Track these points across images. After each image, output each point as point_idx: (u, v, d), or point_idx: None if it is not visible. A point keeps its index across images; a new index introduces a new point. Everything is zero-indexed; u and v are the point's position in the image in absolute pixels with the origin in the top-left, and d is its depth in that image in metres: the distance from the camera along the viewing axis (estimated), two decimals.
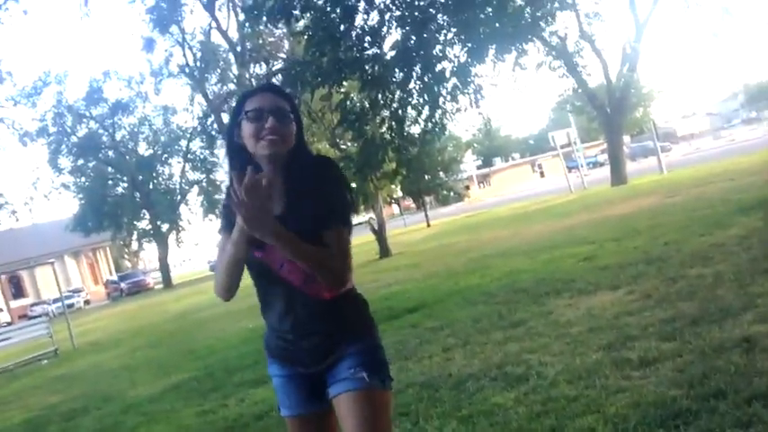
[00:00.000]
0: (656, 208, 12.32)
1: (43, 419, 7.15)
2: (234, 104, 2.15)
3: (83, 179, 44.32)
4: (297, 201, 1.98)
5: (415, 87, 11.50)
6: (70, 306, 32.57)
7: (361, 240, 34.22)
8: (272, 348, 2.13)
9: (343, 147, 29.11)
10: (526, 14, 11.79)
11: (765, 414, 2.80)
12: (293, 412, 2.12)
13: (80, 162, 43.53)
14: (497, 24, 10.91)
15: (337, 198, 2.00)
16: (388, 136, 11.92)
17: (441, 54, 11.40)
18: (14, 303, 46.46)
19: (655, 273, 6.30)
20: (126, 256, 62.25)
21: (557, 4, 13.62)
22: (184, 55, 39.09)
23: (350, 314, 2.09)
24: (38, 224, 52.42)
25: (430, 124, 11.76)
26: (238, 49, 38.69)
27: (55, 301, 36.82)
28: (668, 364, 3.70)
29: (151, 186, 43.58)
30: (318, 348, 2.02)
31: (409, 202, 56.92)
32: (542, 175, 67.27)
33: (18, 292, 52.84)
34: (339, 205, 2.00)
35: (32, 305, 45.40)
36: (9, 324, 29.44)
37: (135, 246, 54.57)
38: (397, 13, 11.29)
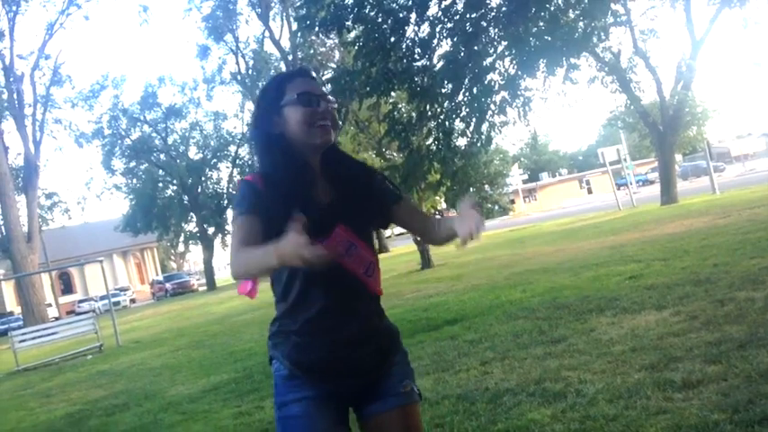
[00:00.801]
0: (707, 229, 12.02)
1: (85, 413, 7.32)
2: (265, 89, 1.95)
3: (134, 181, 45.44)
4: (343, 191, 1.86)
5: (463, 99, 11.48)
6: (116, 304, 33.41)
7: (402, 251, 34.29)
8: (311, 361, 1.79)
9: (389, 156, 29.26)
10: (579, 29, 11.67)
11: None
12: None
13: (132, 164, 44.66)
14: (549, 38, 10.83)
15: (383, 177, 1.98)
16: (434, 147, 11.93)
17: (490, 66, 11.37)
18: (63, 299, 47.80)
19: (702, 294, 6.13)
20: (172, 257, 63.56)
21: (611, 20, 13.47)
22: (237, 63, 39.88)
23: (386, 316, 1.97)
24: (89, 223, 54.01)
25: (476, 136, 11.72)
26: (290, 57, 39.30)
27: (102, 298, 37.75)
28: (712, 387, 3.60)
29: (199, 190, 44.39)
30: (377, 354, 1.85)
31: (453, 214, 56.82)
32: (590, 191, 66.28)
33: (67, 288, 54.45)
34: (391, 189, 1.97)
35: (80, 301, 46.70)
36: (57, 319, 30.24)
37: (181, 247, 55.72)
38: (449, 25, 11.30)
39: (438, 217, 2.09)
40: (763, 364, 3.78)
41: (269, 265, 1.57)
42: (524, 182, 66.37)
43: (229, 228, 47.97)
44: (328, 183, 1.86)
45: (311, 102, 1.82)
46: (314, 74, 1.98)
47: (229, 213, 46.62)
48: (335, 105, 1.87)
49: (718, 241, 9.72)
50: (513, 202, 56.69)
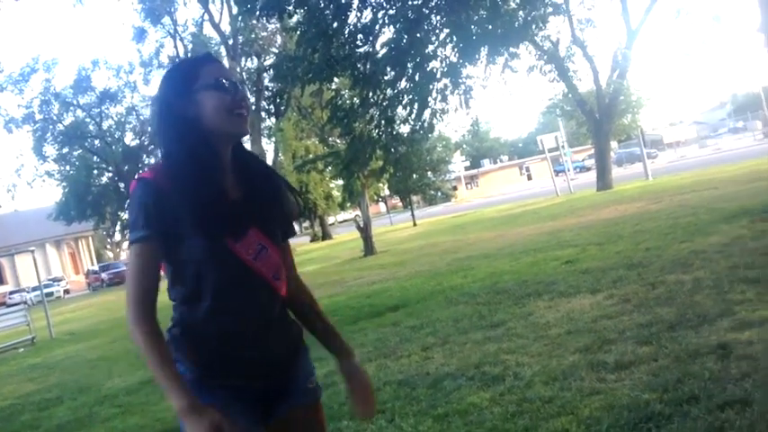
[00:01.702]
0: (640, 214, 12.40)
1: (17, 408, 7.09)
2: (174, 72, 1.79)
3: (67, 168, 43.96)
4: (255, 188, 1.76)
5: (405, 86, 11.51)
6: (49, 295, 32.36)
7: (346, 238, 34.30)
8: (219, 363, 1.70)
9: (332, 143, 29.14)
10: (519, 17, 11.83)
11: (738, 420, 2.82)
12: None
13: (65, 150, 43.18)
14: (490, 26, 10.95)
15: (294, 205, 1.88)
16: (376, 134, 11.93)
17: (432, 54, 11.42)
18: None
19: (635, 278, 6.33)
20: (108, 246, 61.85)
21: (550, 9, 13.68)
22: (175, 46, 38.89)
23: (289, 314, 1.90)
24: (20, 211, 52.07)
25: (419, 124, 11.78)
26: (230, 42, 38.56)
27: (34, 289, 36.49)
28: (643, 367, 3.72)
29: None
30: (285, 355, 1.81)
31: (396, 201, 57.03)
32: (530, 177, 67.56)
33: None
34: (294, 214, 1.89)
35: (11, 293, 44.98)
36: None
37: (117, 236, 54.23)
38: (391, 11, 11.30)
39: (313, 305, 1.97)
40: (692, 344, 3.93)
41: (161, 386, 1.56)
42: (466, 168, 67.13)
43: None
44: (236, 179, 1.75)
45: (230, 88, 1.70)
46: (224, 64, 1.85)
47: None
48: (248, 95, 1.79)
49: (651, 226, 10.04)
50: (455, 188, 57.33)
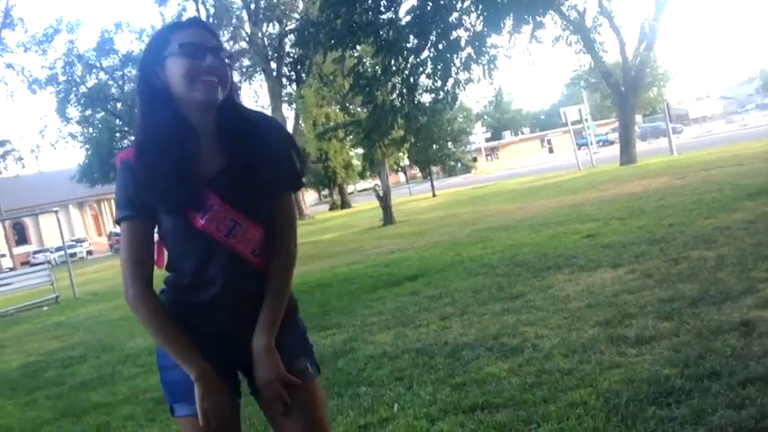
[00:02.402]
0: (664, 189, 12.26)
1: (41, 365, 7.24)
2: (152, 38, 1.74)
3: (90, 130, 44.25)
4: (234, 160, 1.69)
5: (428, 55, 11.38)
6: (72, 255, 32.80)
7: (365, 207, 34.33)
8: (195, 329, 1.70)
9: (353, 111, 29.02)
10: None
11: (759, 398, 2.80)
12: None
13: (88, 113, 43.38)
14: None
15: (289, 161, 1.77)
16: (398, 103, 11.84)
17: (457, 22, 11.26)
18: (17, 250, 46.83)
19: (657, 253, 6.28)
20: None
21: None
22: (197, 10, 38.68)
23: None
24: (44, 172, 52.63)
25: (441, 93, 11.67)
26: (252, 6, 38.36)
27: (57, 249, 37.09)
28: (664, 343, 3.71)
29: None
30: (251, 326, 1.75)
31: (416, 171, 56.87)
32: (551, 150, 66.95)
33: (21, 238, 53.32)
34: (291, 170, 1.78)
35: (35, 252, 45.81)
36: (11, 270, 29.65)
37: None
38: None
39: (277, 265, 1.77)
40: (714, 320, 3.90)
41: (181, 366, 1.64)
42: (487, 140, 66.67)
43: None
44: (218, 151, 1.70)
45: (196, 54, 1.64)
46: (208, 25, 1.80)
47: None
48: (227, 61, 1.69)
49: (674, 201, 9.93)
50: (475, 160, 56.96)
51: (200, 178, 1.67)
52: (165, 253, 1.77)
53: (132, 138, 1.74)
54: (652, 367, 3.36)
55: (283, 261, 1.78)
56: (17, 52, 37.17)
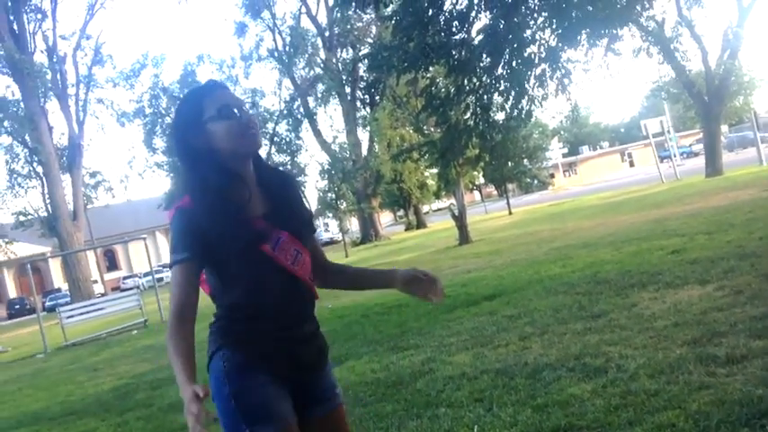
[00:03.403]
0: (753, 201, 11.72)
1: (131, 387, 7.53)
2: (183, 106, 1.94)
3: (175, 159, 45.95)
4: (279, 201, 1.92)
5: (502, 73, 11.31)
6: (160, 280, 33.88)
7: (441, 226, 34.25)
8: (264, 351, 1.83)
9: (427, 132, 29.10)
10: None
11: None
12: (283, 424, 1.79)
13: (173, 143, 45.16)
14: (590, 8, 10.58)
15: (308, 205, 2.09)
16: (472, 122, 11.81)
17: (530, 38, 11.16)
18: (108, 276, 48.98)
19: (748, 268, 6.01)
20: None
21: None
22: (274, 39, 39.94)
23: None
24: (132, 201, 54.97)
25: (516, 111, 11.57)
26: (326, 34, 39.23)
27: (146, 274, 38.52)
28: (757, 362, 3.54)
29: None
30: (318, 353, 1.95)
31: (491, 189, 56.37)
32: (632, 164, 65.10)
33: (112, 264, 55.82)
34: (310, 212, 2.07)
35: (125, 278, 47.77)
36: (103, 295, 31.02)
37: None
38: None
39: (349, 265, 2.24)
40: None
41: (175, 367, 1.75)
42: (564, 155, 65.42)
43: None
44: (264, 191, 1.91)
45: (233, 113, 1.84)
46: (224, 83, 2.01)
47: None
48: (252, 112, 1.91)
49: (765, 214, 9.48)
50: (552, 176, 56.01)
51: (257, 217, 1.85)
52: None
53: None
54: (744, 387, 3.21)
55: (343, 265, 2.22)
56: (106, 87, 39.13)
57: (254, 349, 1.83)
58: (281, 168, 2.13)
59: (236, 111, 1.84)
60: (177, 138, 1.90)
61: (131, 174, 53.28)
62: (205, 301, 1.89)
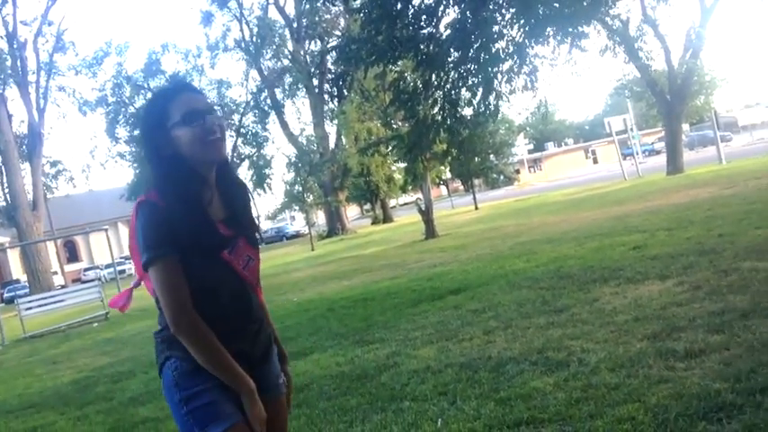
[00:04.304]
0: (713, 199, 11.98)
1: (92, 380, 7.40)
2: (149, 109, 1.95)
3: (139, 149, 45.29)
4: (237, 208, 1.96)
5: (470, 68, 11.36)
6: (122, 272, 33.58)
7: (407, 220, 34.34)
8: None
9: (395, 126, 29.11)
10: None
11: None
12: (232, 421, 1.83)
13: (136, 132, 44.45)
14: (556, 4, 10.67)
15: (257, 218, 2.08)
16: (440, 117, 11.84)
17: (498, 34, 11.22)
18: (69, 267, 48.12)
19: (706, 264, 6.14)
20: None
21: None
22: (241, 30, 39.58)
23: None
24: (94, 191, 54.02)
25: (483, 106, 11.62)
26: (294, 25, 38.95)
27: (107, 266, 37.96)
28: (715, 356, 3.62)
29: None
30: (264, 349, 2.00)
31: (458, 184, 56.70)
32: (596, 161, 66.03)
33: (72, 256, 54.82)
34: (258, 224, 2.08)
35: (86, 269, 46.98)
36: (63, 287, 30.48)
37: None
38: None
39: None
40: (766, 333, 3.79)
41: (230, 383, 1.82)
42: (529, 152, 66.08)
43: None
44: (223, 197, 1.93)
45: (198, 119, 1.83)
46: (194, 87, 2.00)
47: None
48: (221, 116, 1.92)
49: (724, 212, 9.69)
50: (518, 172, 56.52)
51: (218, 221, 1.88)
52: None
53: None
54: (702, 382, 3.28)
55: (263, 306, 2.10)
56: (68, 75, 38.39)
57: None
58: (238, 177, 2.11)
59: (202, 116, 1.84)
60: (144, 138, 1.92)
61: (93, 163, 52.50)
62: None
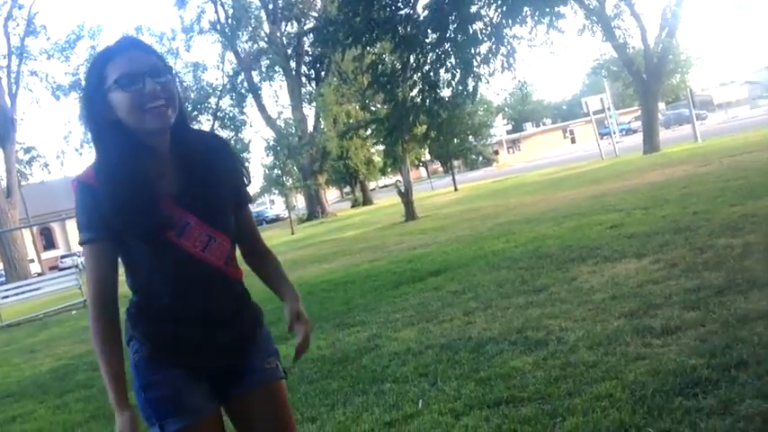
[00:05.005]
0: (688, 177, 12.11)
1: (71, 368, 7.35)
2: (89, 72, 1.70)
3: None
4: (196, 179, 1.71)
5: (448, 49, 11.32)
6: None
7: (387, 203, 34.34)
8: (171, 343, 1.73)
9: (373, 108, 29.03)
10: None
11: None
12: (196, 416, 1.70)
13: None
14: None
15: (243, 175, 1.85)
16: (419, 99, 11.81)
17: (475, 15, 11.19)
18: (45, 255, 47.53)
19: (682, 242, 6.21)
20: None
21: None
22: (216, 11, 39.08)
23: (248, 296, 1.91)
24: (69, 177, 53.03)
25: (462, 87, 11.61)
26: (270, 6, 38.51)
27: None
28: (690, 333, 3.67)
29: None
30: (236, 339, 1.80)
31: (437, 166, 56.74)
32: (573, 141, 66.41)
33: (49, 243, 54.17)
34: (245, 183, 1.87)
35: (63, 257, 46.52)
36: (40, 275, 30.15)
37: None
38: None
39: (272, 259, 2.00)
40: (741, 309, 3.85)
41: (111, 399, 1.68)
42: (508, 132, 66.27)
43: None
44: (180, 166, 1.70)
45: (135, 83, 1.60)
46: (142, 42, 1.73)
47: None
48: (167, 79, 1.64)
49: (699, 189, 9.80)
50: (496, 152, 56.67)
51: (166, 198, 1.67)
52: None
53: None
54: (678, 358, 3.33)
55: (273, 257, 1.99)
56: (40, 59, 37.62)
57: (161, 342, 1.73)
58: (211, 134, 1.89)
59: (141, 79, 1.59)
60: (83, 103, 1.73)
61: (68, 149, 51.66)
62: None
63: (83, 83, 1.77)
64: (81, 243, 1.69)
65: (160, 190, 1.67)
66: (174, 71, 1.73)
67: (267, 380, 1.83)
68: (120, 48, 1.66)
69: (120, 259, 1.73)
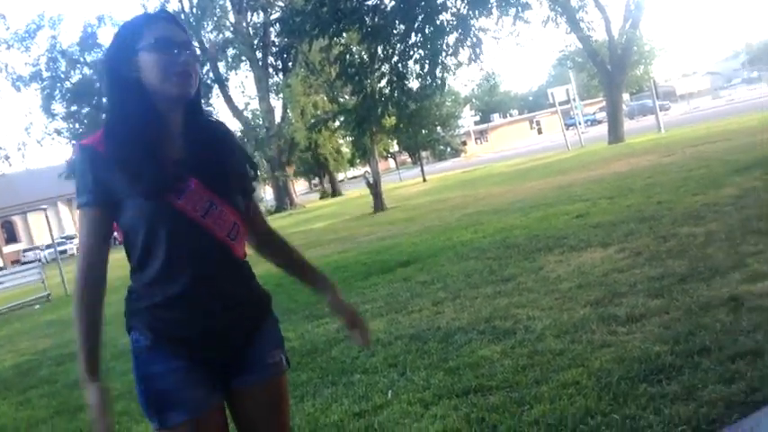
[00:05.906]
0: (652, 167, 12.31)
1: (34, 363, 7.21)
2: (123, 29, 1.72)
3: (76, 125, 43.85)
4: (202, 148, 1.70)
5: (416, 41, 11.31)
6: (63, 252, 32.62)
7: (356, 194, 34.31)
8: (174, 332, 1.67)
9: (342, 100, 28.91)
10: None
11: (749, 372, 2.82)
12: (197, 410, 1.65)
13: (73, 108, 42.99)
14: None
15: (248, 166, 1.85)
16: (387, 90, 11.78)
17: (442, 6, 11.19)
18: (7, 249, 46.62)
19: (646, 231, 6.32)
20: None
21: None
22: (180, 1, 38.37)
23: (256, 280, 1.85)
24: (31, 170, 52.16)
25: (430, 79, 11.62)
26: None
27: (47, 246, 36.92)
28: (655, 320, 3.73)
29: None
30: (242, 325, 1.73)
31: (405, 157, 56.82)
32: (540, 131, 67.05)
33: (11, 237, 53.06)
34: (250, 174, 1.85)
35: (25, 251, 45.64)
36: (2, 269, 29.53)
37: None
38: None
39: (291, 246, 2.03)
40: (703, 296, 3.93)
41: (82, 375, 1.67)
42: (476, 123, 66.61)
43: None
44: (186, 139, 1.69)
45: (171, 48, 1.64)
46: (178, 20, 1.76)
47: None
48: (198, 59, 1.71)
49: (663, 179, 9.97)
50: (464, 143, 56.95)
51: (170, 162, 1.64)
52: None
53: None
54: (643, 345, 3.38)
55: (288, 242, 2.02)
56: (0, 50, 36.75)
57: (162, 330, 1.66)
58: (220, 121, 1.87)
59: (177, 47, 1.64)
60: (107, 66, 1.70)
61: (29, 141, 50.51)
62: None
63: (109, 44, 1.73)
64: (78, 207, 1.66)
65: (166, 152, 1.65)
66: (199, 56, 1.75)
67: (269, 377, 1.78)
68: (158, 16, 1.73)
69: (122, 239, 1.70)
